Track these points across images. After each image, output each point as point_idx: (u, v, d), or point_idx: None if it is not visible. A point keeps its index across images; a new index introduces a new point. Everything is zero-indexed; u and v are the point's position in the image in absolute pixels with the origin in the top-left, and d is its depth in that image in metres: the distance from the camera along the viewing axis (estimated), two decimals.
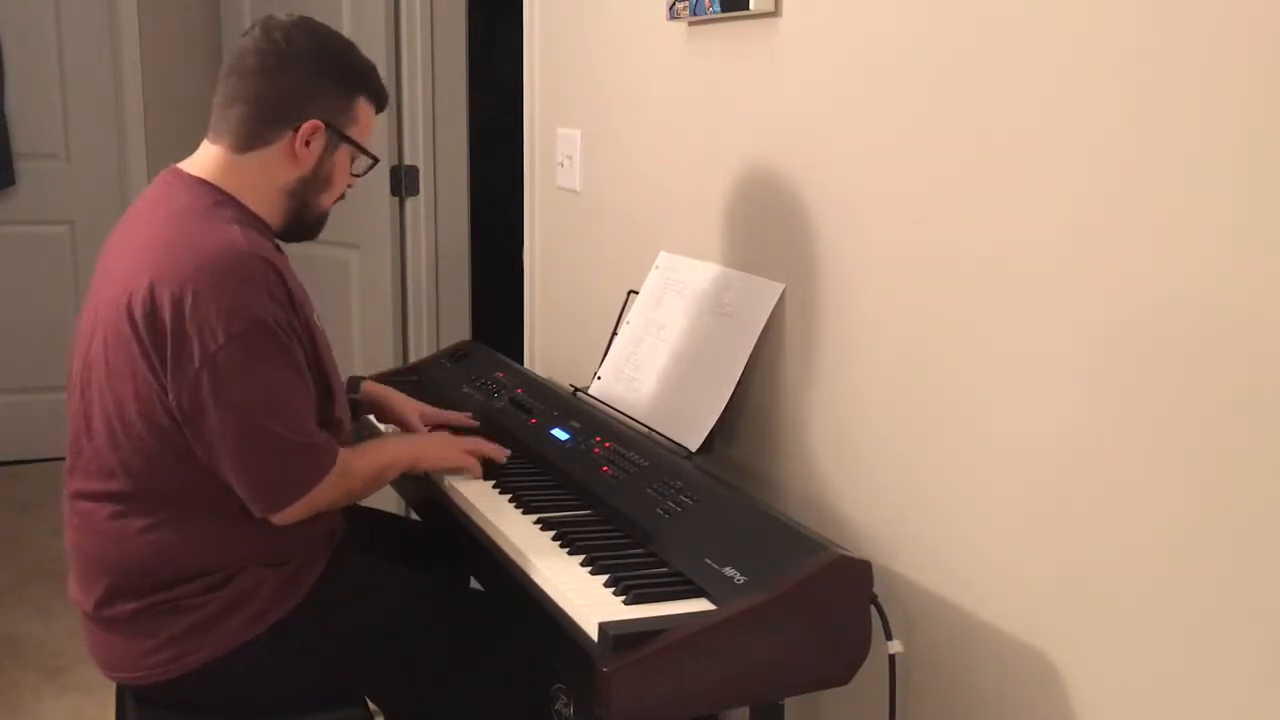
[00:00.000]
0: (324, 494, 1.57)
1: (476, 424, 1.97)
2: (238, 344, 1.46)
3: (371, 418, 2.04)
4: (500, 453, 1.81)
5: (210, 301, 1.45)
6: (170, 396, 1.48)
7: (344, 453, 1.60)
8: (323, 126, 1.61)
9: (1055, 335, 1.27)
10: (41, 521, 3.74)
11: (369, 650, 1.66)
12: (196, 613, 1.55)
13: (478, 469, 1.77)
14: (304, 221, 1.69)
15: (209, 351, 1.45)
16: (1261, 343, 1.06)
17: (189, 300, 1.45)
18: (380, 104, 1.70)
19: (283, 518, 1.55)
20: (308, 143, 1.61)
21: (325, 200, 1.69)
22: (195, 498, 1.55)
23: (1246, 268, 1.07)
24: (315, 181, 1.65)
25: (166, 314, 1.46)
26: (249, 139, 1.60)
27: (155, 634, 1.55)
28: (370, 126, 1.69)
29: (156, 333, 1.47)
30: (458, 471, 1.78)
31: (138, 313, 1.48)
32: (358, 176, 1.72)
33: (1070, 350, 1.26)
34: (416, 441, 1.83)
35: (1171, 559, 1.16)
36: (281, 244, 1.68)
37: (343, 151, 1.66)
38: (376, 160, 1.72)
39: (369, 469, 1.66)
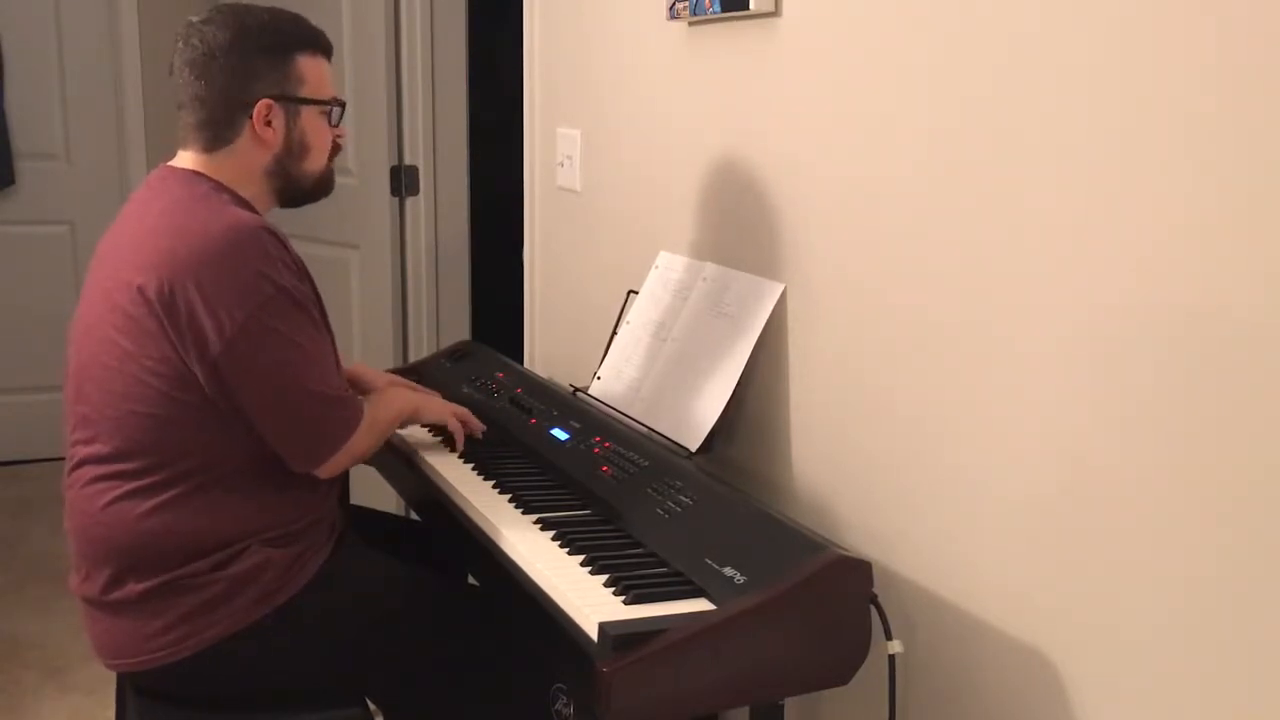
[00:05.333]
0: (360, 443, 1.66)
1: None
2: (265, 312, 1.53)
3: None
4: (479, 426, 1.92)
5: (230, 276, 1.52)
6: (198, 373, 1.53)
7: (364, 405, 1.70)
8: (274, 102, 1.65)
9: (1056, 335, 1.27)
10: (41, 521, 3.74)
11: (371, 641, 1.67)
12: (205, 591, 1.57)
13: (460, 435, 1.88)
14: (299, 189, 1.74)
15: (238, 322, 1.51)
16: (1261, 343, 1.06)
17: (209, 278, 1.51)
18: (323, 51, 1.72)
19: (326, 470, 1.64)
20: (268, 122, 1.66)
21: (310, 165, 1.73)
22: (206, 472, 1.58)
23: (1248, 269, 1.07)
24: (291, 154, 1.70)
25: (189, 294, 1.51)
26: (212, 140, 1.66)
27: (164, 614, 1.57)
28: (322, 75, 1.72)
29: (178, 313, 1.52)
30: (441, 445, 1.90)
31: (154, 295, 1.52)
32: (336, 125, 1.74)
33: (1071, 350, 1.26)
34: (414, 395, 1.91)
35: (1171, 559, 1.16)
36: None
37: (307, 114, 1.70)
38: (343, 104, 1.75)
39: (386, 417, 1.77)
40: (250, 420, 1.58)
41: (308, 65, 1.69)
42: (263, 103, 1.64)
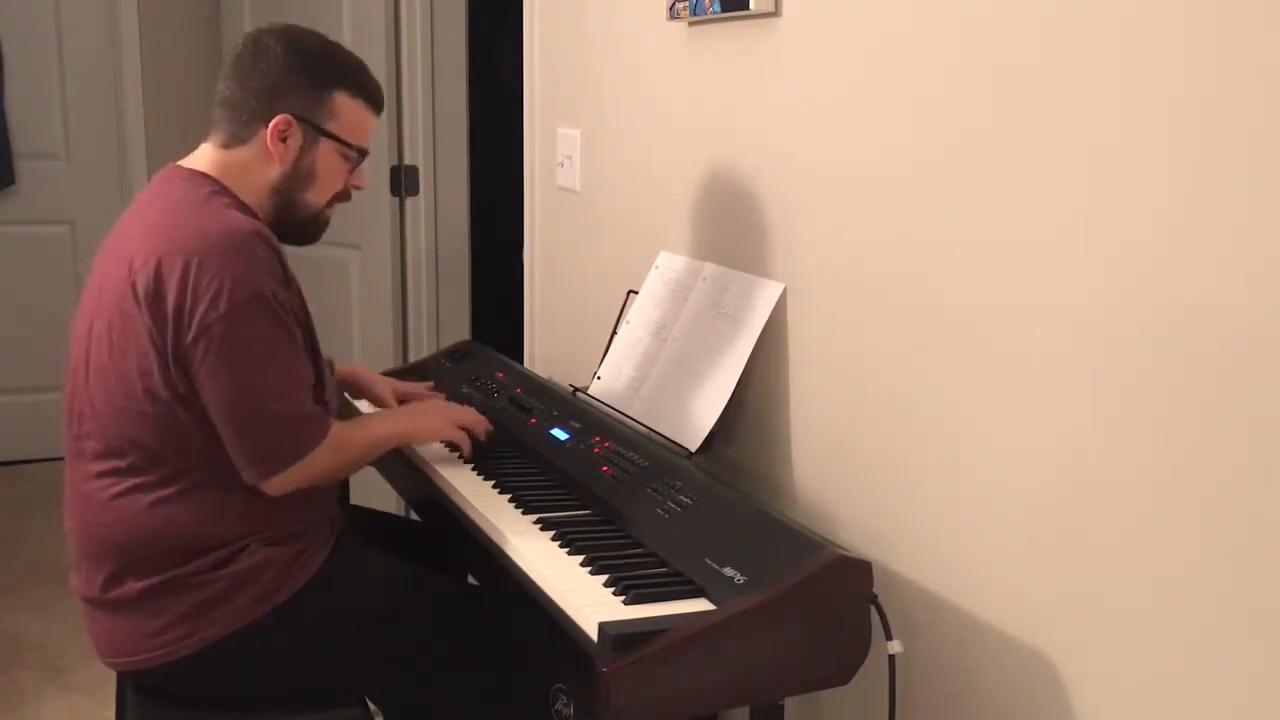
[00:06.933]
0: (316, 464, 1.61)
1: (441, 395, 2.07)
2: (237, 314, 1.51)
3: (346, 396, 2.12)
4: (485, 427, 1.88)
5: (212, 274, 1.51)
6: (170, 368, 1.53)
7: (338, 426, 1.65)
8: (294, 121, 1.65)
9: (1056, 335, 1.27)
10: (41, 521, 3.74)
11: (371, 641, 1.67)
12: (204, 589, 1.57)
13: (468, 445, 1.85)
14: (295, 220, 1.72)
15: (207, 322, 1.50)
16: (1261, 343, 1.06)
17: (192, 274, 1.51)
18: (370, 99, 1.73)
19: (272, 486, 1.59)
20: (284, 139, 1.66)
21: (313, 197, 1.72)
22: (202, 470, 1.58)
23: (1247, 269, 1.07)
24: (296, 178, 1.69)
25: (169, 288, 1.51)
26: (231, 137, 1.67)
27: (163, 612, 1.57)
28: (359, 122, 1.72)
29: (159, 308, 1.52)
30: (449, 446, 1.87)
31: (141, 290, 1.52)
32: (351, 173, 1.74)
33: (1071, 350, 1.26)
34: (409, 417, 1.88)
35: (1171, 559, 1.16)
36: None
37: (325, 147, 1.69)
38: (364, 153, 1.74)
39: (363, 443, 1.71)
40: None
41: (345, 104, 1.69)
42: (282, 117, 1.64)
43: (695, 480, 1.58)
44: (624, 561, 1.45)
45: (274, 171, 1.67)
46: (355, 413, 2.07)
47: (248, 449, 1.56)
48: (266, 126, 1.64)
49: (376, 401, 2.05)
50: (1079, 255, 1.24)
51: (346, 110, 1.70)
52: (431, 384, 2.14)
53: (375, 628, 1.67)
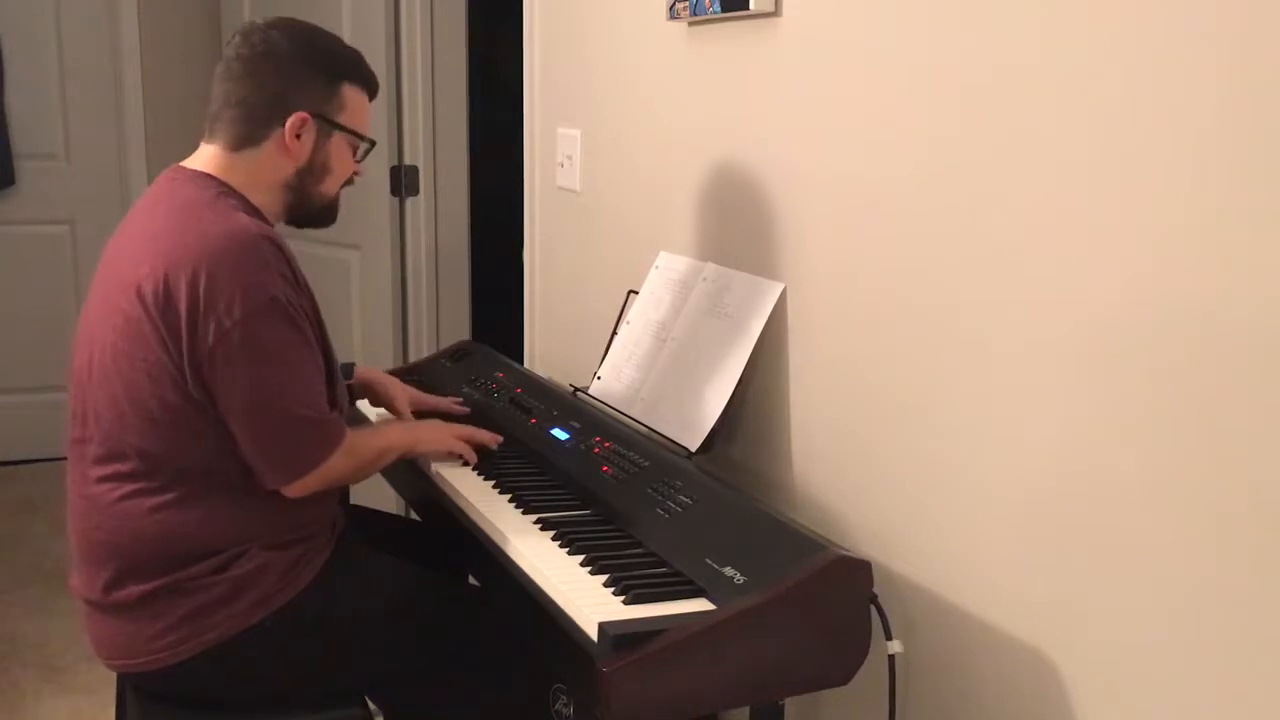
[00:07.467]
0: (335, 467, 1.62)
1: (467, 410, 2.04)
2: (252, 321, 1.51)
3: (363, 404, 2.11)
4: (493, 438, 1.86)
5: (223, 281, 1.50)
6: (186, 376, 1.52)
7: (350, 431, 1.66)
8: (310, 118, 1.66)
9: (1057, 335, 1.27)
10: (41, 521, 3.74)
11: (371, 642, 1.67)
12: (204, 594, 1.57)
13: (471, 454, 1.83)
14: (309, 209, 1.74)
15: (224, 329, 1.50)
16: (1262, 342, 1.06)
17: (202, 281, 1.50)
18: (369, 89, 1.75)
19: (295, 490, 1.60)
20: (298, 135, 1.66)
21: (326, 188, 1.73)
22: (206, 476, 1.58)
23: (1247, 267, 1.07)
24: (312, 172, 1.70)
25: (180, 296, 1.50)
26: (242, 139, 1.65)
27: (163, 616, 1.57)
28: (364, 111, 1.74)
29: (170, 315, 1.51)
30: (450, 457, 1.84)
31: (150, 297, 1.52)
32: (359, 161, 1.76)
33: (1071, 349, 1.26)
34: (414, 427, 1.88)
35: (1171, 559, 1.16)
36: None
37: (337, 139, 1.71)
38: (373, 143, 1.77)
39: (372, 449, 1.72)
40: (229, 428, 1.56)
41: (352, 96, 1.71)
42: (299, 115, 1.64)
43: (695, 480, 1.58)
44: (624, 561, 1.45)
45: (289, 168, 1.67)
46: (362, 420, 2.06)
47: (271, 454, 1.57)
48: (283, 125, 1.64)
49: (389, 409, 2.02)
50: (1080, 254, 1.24)
51: (352, 101, 1.71)
52: (459, 400, 2.08)
53: (375, 628, 1.67)
